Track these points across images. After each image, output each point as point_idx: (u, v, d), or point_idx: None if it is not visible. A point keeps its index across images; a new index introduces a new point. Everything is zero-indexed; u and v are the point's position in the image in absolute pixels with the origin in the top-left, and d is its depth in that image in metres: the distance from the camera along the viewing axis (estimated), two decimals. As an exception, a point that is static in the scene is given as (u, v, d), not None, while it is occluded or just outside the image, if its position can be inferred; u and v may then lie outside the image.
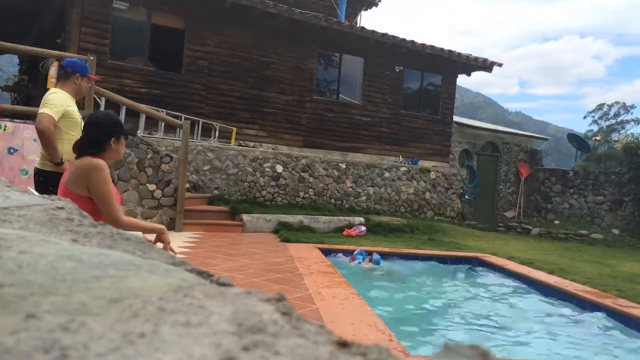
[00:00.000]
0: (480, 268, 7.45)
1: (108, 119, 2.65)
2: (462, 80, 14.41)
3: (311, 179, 10.73)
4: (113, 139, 2.59)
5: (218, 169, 9.71)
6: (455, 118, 14.72)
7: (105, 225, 0.71)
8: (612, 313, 5.02)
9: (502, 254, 8.26)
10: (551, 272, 6.78)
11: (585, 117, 46.41)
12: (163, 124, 9.51)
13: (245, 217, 8.63)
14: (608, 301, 5.26)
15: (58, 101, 3.63)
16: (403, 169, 12.22)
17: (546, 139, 19.32)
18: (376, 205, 11.60)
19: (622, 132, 38.50)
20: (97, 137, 2.57)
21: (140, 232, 3.01)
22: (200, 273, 0.53)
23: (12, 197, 0.83)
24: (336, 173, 11.14)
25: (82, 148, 2.57)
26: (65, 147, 3.47)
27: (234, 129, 10.66)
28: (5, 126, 5.92)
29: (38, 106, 3.71)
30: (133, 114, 8.86)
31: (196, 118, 10.11)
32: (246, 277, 5.02)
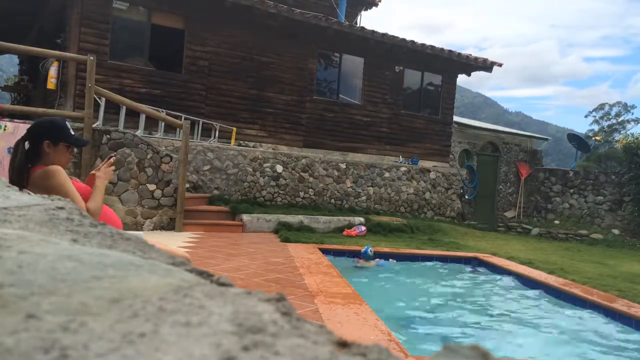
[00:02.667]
0: (481, 268, 7.45)
1: (45, 122, 2.59)
2: (460, 80, 14.42)
3: (311, 179, 10.73)
4: (47, 142, 2.51)
5: (218, 169, 9.71)
6: (455, 118, 14.71)
7: (106, 225, 0.71)
8: (612, 313, 5.02)
9: (502, 254, 8.26)
10: (551, 272, 6.78)
11: (586, 117, 46.45)
12: (163, 124, 9.51)
13: (245, 217, 8.63)
14: (608, 301, 5.26)
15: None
16: (403, 169, 12.22)
17: (546, 139, 19.32)
18: (376, 205, 11.60)
19: (622, 132, 38.51)
20: (31, 141, 2.50)
21: (141, 232, 3.00)
22: (200, 273, 0.53)
23: (12, 197, 0.83)
24: (336, 173, 11.14)
25: (25, 161, 2.49)
26: None
27: (234, 129, 10.66)
28: (5, 126, 5.92)
29: (38, 106, 3.69)
30: (133, 114, 8.87)
31: (196, 118, 10.11)
32: (246, 277, 5.02)
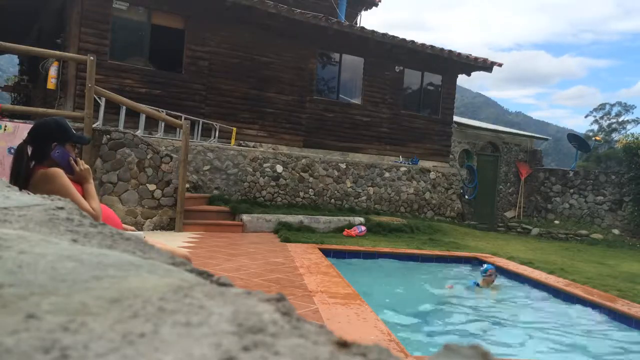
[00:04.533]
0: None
1: (51, 124, 2.58)
2: (459, 79, 14.42)
3: (311, 179, 10.73)
4: (55, 144, 2.51)
5: (218, 169, 9.71)
6: (456, 118, 14.71)
7: (105, 225, 0.71)
8: (612, 313, 5.02)
9: (502, 254, 8.26)
10: (551, 272, 6.78)
11: (586, 117, 46.48)
12: (163, 124, 9.51)
13: (245, 217, 8.63)
14: (608, 301, 5.26)
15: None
16: (403, 169, 12.22)
17: (546, 139, 19.32)
18: (376, 205, 11.60)
19: (622, 132, 38.53)
20: (38, 143, 2.51)
21: (141, 232, 2.99)
22: (200, 273, 0.53)
23: (12, 197, 0.83)
24: (336, 173, 11.13)
25: (27, 163, 2.48)
26: None
27: (234, 129, 10.66)
28: (6, 126, 5.92)
29: (38, 106, 3.69)
30: (133, 114, 8.87)
31: (196, 118, 10.11)
32: (246, 277, 5.02)
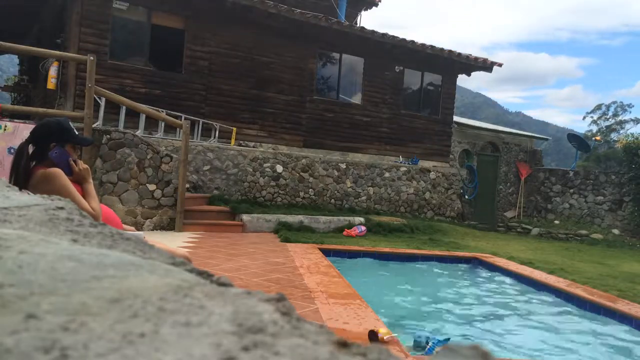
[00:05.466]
0: (481, 268, 7.45)
1: (52, 124, 2.57)
2: (459, 80, 14.43)
3: (311, 179, 10.73)
4: (54, 144, 2.51)
5: (218, 169, 9.71)
6: (455, 118, 14.71)
7: (105, 225, 0.71)
8: (612, 313, 5.02)
9: (502, 254, 8.26)
10: (551, 272, 6.78)
11: (584, 118, 46.41)
12: (163, 124, 9.51)
13: (245, 217, 8.63)
14: (608, 301, 5.26)
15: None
16: (403, 169, 12.22)
17: (546, 139, 19.32)
18: (376, 205, 11.60)
19: (621, 132, 38.50)
20: (39, 143, 2.51)
21: (141, 232, 2.98)
22: (200, 273, 0.53)
23: (12, 197, 0.83)
24: (336, 173, 11.13)
25: (27, 162, 2.48)
26: None
27: (234, 129, 10.66)
28: (6, 126, 5.91)
29: (38, 106, 3.68)
30: (133, 114, 8.87)
31: (196, 118, 10.11)
32: (246, 277, 5.02)
